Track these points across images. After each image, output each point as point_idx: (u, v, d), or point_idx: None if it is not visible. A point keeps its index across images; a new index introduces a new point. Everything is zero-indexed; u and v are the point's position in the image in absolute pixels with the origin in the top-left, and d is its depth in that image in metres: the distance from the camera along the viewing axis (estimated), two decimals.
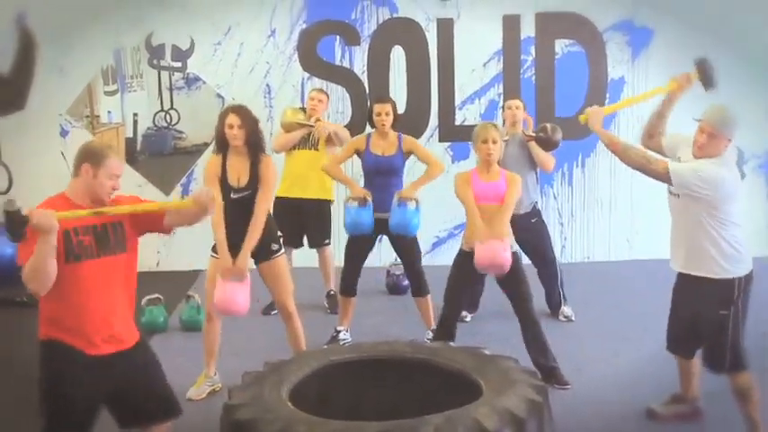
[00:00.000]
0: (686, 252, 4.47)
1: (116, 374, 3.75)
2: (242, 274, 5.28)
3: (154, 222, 3.93)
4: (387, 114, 6.27)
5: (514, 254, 5.54)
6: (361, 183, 6.43)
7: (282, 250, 5.63)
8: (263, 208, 5.39)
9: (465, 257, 5.57)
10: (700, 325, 4.49)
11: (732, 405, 4.53)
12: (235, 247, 5.35)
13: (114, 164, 3.75)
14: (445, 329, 5.61)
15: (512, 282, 5.55)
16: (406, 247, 6.37)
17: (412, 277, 6.46)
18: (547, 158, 6.84)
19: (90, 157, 3.74)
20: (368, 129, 6.63)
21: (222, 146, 5.42)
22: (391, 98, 6.62)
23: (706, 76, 4.79)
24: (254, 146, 5.37)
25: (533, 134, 6.78)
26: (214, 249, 5.44)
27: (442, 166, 6.42)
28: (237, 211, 5.36)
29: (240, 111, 5.38)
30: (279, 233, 5.67)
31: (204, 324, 5.61)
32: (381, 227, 6.33)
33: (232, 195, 5.37)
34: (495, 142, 5.47)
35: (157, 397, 3.99)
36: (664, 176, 4.38)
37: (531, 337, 5.55)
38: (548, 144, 6.74)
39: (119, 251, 3.78)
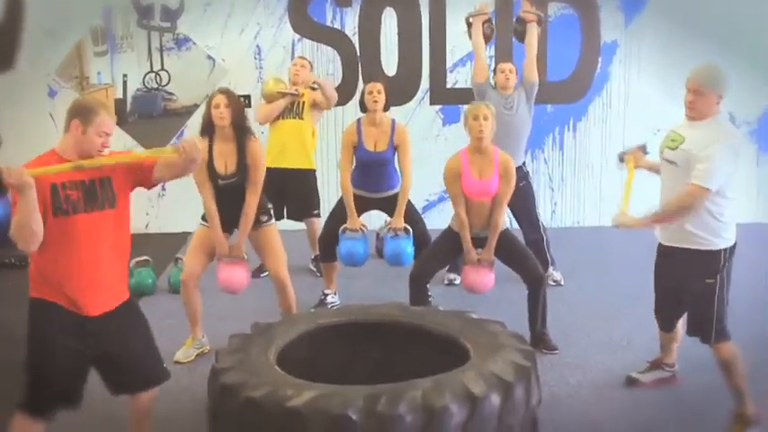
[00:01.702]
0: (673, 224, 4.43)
1: (103, 337, 3.73)
2: (239, 257, 5.47)
3: (143, 176, 3.86)
4: (379, 93, 6.16)
5: (506, 230, 5.57)
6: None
7: (272, 220, 5.64)
8: (255, 195, 5.41)
9: (454, 237, 5.57)
10: (684, 295, 4.48)
11: (711, 370, 4.55)
12: (225, 227, 5.48)
13: (104, 121, 3.68)
14: (419, 291, 5.62)
15: (507, 252, 5.57)
16: (407, 216, 6.29)
17: (418, 243, 6.29)
18: (534, 42, 6.96)
19: (80, 112, 3.67)
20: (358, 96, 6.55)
21: (208, 130, 5.39)
22: (383, 79, 6.54)
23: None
24: (241, 128, 5.35)
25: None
26: (203, 218, 5.48)
27: (410, 183, 6.25)
28: (226, 196, 5.40)
29: (226, 92, 5.41)
30: (269, 204, 5.70)
31: (181, 291, 5.59)
32: (372, 204, 6.39)
33: (220, 182, 5.38)
34: (486, 119, 5.39)
35: (145, 364, 3.97)
36: (704, 195, 4.19)
37: (533, 298, 5.53)
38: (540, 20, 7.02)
39: (107, 206, 3.72)
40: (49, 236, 3.52)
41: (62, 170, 3.58)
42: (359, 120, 6.33)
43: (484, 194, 5.45)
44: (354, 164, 6.29)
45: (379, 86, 6.21)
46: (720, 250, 4.32)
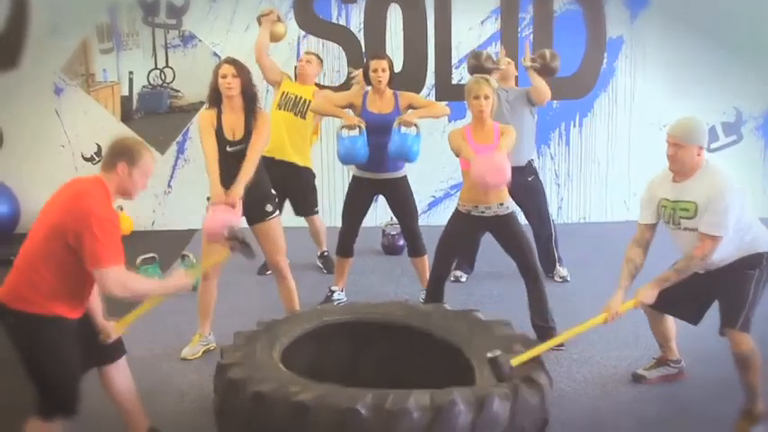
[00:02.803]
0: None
1: (80, 324, 3.81)
2: (234, 203, 5.16)
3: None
4: (383, 71, 6.13)
5: (511, 214, 5.53)
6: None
7: (277, 212, 5.60)
8: (255, 152, 5.30)
9: (460, 217, 5.56)
10: (716, 286, 4.46)
11: (717, 366, 4.54)
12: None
13: (149, 163, 3.80)
14: (435, 289, 5.61)
15: (510, 240, 5.54)
16: (403, 207, 6.31)
17: (409, 237, 6.40)
18: (544, 88, 6.77)
19: (126, 154, 3.74)
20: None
21: (215, 99, 5.35)
22: (388, 55, 6.49)
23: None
24: (249, 97, 5.31)
25: (531, 62, 6.75)
26: (209, 199, 5.43)
27: (445, 108, 6.34)
28: (232, 162, 5.30)
29: (234, 62, 5.35)
30: (273, 192, 5.64)
31: (199, 283, 5.58)
32: (377, 187, 6.31)
33: (228, 149, 5.31)
34: (487, 98, 5.39)
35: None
36: (717, 243, 4.26)
37: (534, 295, 5.53)
38: (545, 71, 6.76)
39: None
40: (79, 266, 3.57)
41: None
42: (366, 91, 6.30)
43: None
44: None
45: (384, 64, 6.16)
46: (764, 252, 4.36)
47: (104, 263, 3.50)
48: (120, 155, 3.73)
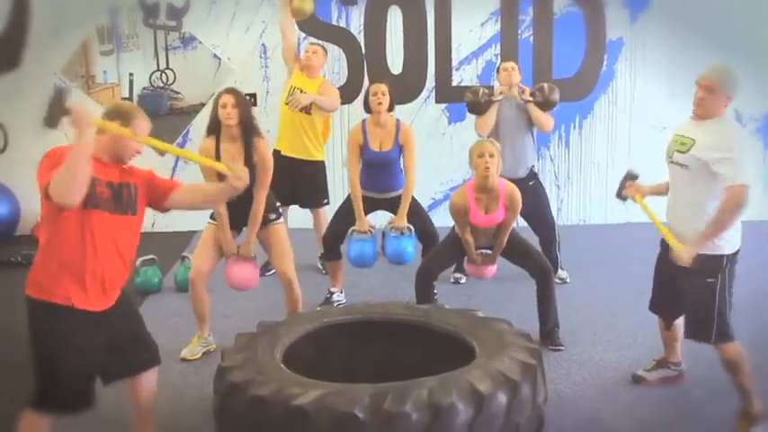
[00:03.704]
0: (683, 228, 4.41)
1: (106, 328, 3.73)
2: (248, 255, 5.50)
3: (158, 195, 3.91)
4: (383, 94, 6.13)
5: (512, 230, 5.58)
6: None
7: (281, 219, 5.64)
8: (262, 195, 5.41)
9: (458, 236, 5.59)
10: (684, 293, 4.46)
11: (717, 368, 4.54)
12: (233, 226, 5.49)
13: (142, 125, 3.76)
14: (425, 288, 5.63)
15: (513, 250, 5.58)
16: (414, 214, 6.30)
17: (425, 241, 6.34)
18: (545, 119, 6.80)
19: (119, 116, 3.73)
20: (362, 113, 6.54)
21: (215, 129, 5.40)
22: (388, 78, 6.50)
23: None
24: (248, 127, 5.35)
25: (531, 96, 6.75)
26: (212, 216, 5.48)
27: (413, 182, 6.27)
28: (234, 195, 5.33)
29: (234, 91, 5.41)
30: (277, 203, 5.68)
31: (190, 290, 5.59)
32: (377, 205, 6.37)
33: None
34: (492, 156, 5.36)
35: (145, 343, 4.00)
36: (746, 191, 4.16)
37: (543, 293, 5.55)
38: (545, 105, 6.72)
39: (129, 212, 3.76)
40: (68, 226, 3.54)
41: (130, 136, 3.68)
42: (364, 121, 6.31)
43: (490, 224, 5.51)
44: (360, 165, 6.29)
45: (384, 88, 6.18)
46: (723, 255, 4.30)
47: (41, 181, 3.47)
48: (113, 117, 3.73)
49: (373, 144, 6.20)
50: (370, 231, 6.20)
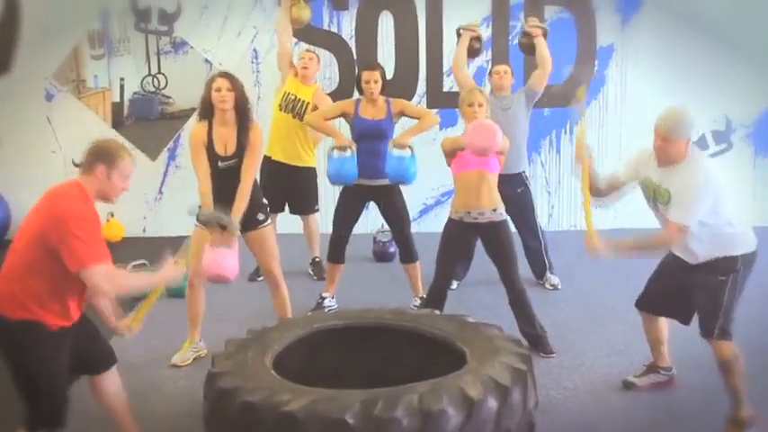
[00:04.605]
0: (683, 253, 4.48)
1: (74, 333, 3.78)
2: (231, 241, 5.18)
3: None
4: (375, 82, 6.13)
5: (504, 222, 5.54)
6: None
7: (269, 221, 5.60)
8: (250, 175, 5.31)
9: (453, 226, 5.57)
10: (694, 288, 4.48)
11: (707, 373, 4.56)
12: (222, 201, 5.26)
13: (128, 166, 3.79)
14: (435, 297, 5.61)
15: (499, 250, 5.55)
16: (396, 213, 6.33)
17: (402, 244, 6.42)
18: (548, 55, 6.98)
19: (105, 157, 3.73)
20: (356, 94, 6.57)
21: (207, 113, 5.31)
22: (380, 65, 6.49)
23: None
24: (243, 111, 5.28)
25: (537, 27, 7.05)
26: (198, 219, 5.41)
27: (435, 118, 6.38)
28: (225, 178, 5.28)
29: (229, 75, 5.31)
30: (265, 201, 5.63)
31: (186, 292, 5.59)
32: (369, 194, 6.32)
33: (219, 164, 5.29)
34: (480, 105, 5.44)
35: (100, 344, 4.04)
36: (684, 232, 4.28)
37: (517, 306, 5.57)
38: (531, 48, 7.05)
39: None
40: (54, 264, 3.55)
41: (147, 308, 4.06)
42: (358, 99, 6.32)
43: (474, 163, 5.42)
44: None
45: (376, 75, 6.15)
46: (737, 256, 4.35)
47: (88, 261, 3.49)
48: (98, 157, 3.72)
49: (364, 114, 6.19)
50: (351, 148, 6.08)
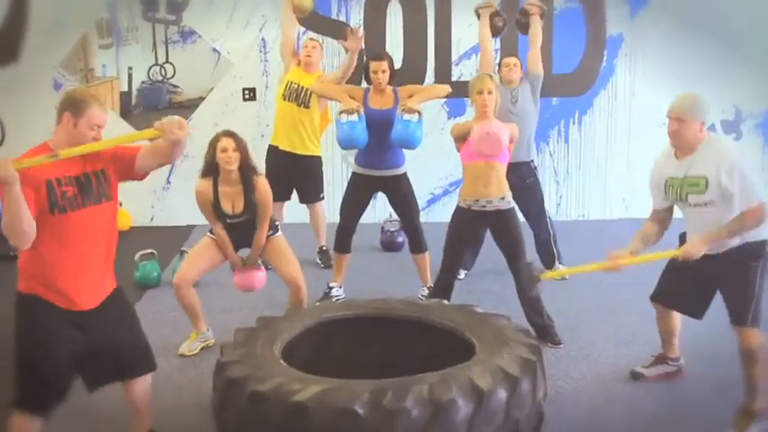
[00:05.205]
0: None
1: (93, 329, 3.70)
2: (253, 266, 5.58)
3: (125, 166, 3.78)
4: (383, 72, 6.11)
5: (511, 210, 5.53)
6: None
7: (279, 233, 5.63)
8: (265, 227, 5.46)
9: (461, 213, 5.56)
10: (721, 281, 4.44)
11: (716, 364, 4.53)
12: (235, 249, 5.55)
13: (96, 113, 3.63)
14: (442, 287, 5.60)
15: (507, 238, 5.54)
16: (405, 203, 6.31)
17: (411, 234, 6.41)
18: (540, 32, 7.02)
19: (71, 105, 3.62)
20: (363, 84, 6.56)
21: (212, 171, 5.36)
22: (388, 54, 6.45)
23: None
24: (247, 171, 5.34)
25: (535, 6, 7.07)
26: (211, 231, 5.52)
27: (445, 87, 6.37)
28: (234, 230, 5.45)
29: (233, 134, 5.34)
30: (276, 222, 5.68)
31: (175, 294, 5.55)
32: (378, 184, 6.30)
33: (228, 221, 5.41)
34: (490, 92, 5.40)
35: (132, 352, 3.90)
36: (762, 212, 4.19)
37: (525, 295, 5.55)
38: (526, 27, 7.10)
39: (103, 200, 3.70)
40: (44, 233, 3.49)
41: (40, 162, 3.51)
42: (367, 89, 6.29)
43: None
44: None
45: (384, 65, 6.13)
46: (766, 240, 4.31)
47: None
48: (65, 106, 3.64)
49: (373, 103, 6.16)
50: (358, 111, 6.04)
